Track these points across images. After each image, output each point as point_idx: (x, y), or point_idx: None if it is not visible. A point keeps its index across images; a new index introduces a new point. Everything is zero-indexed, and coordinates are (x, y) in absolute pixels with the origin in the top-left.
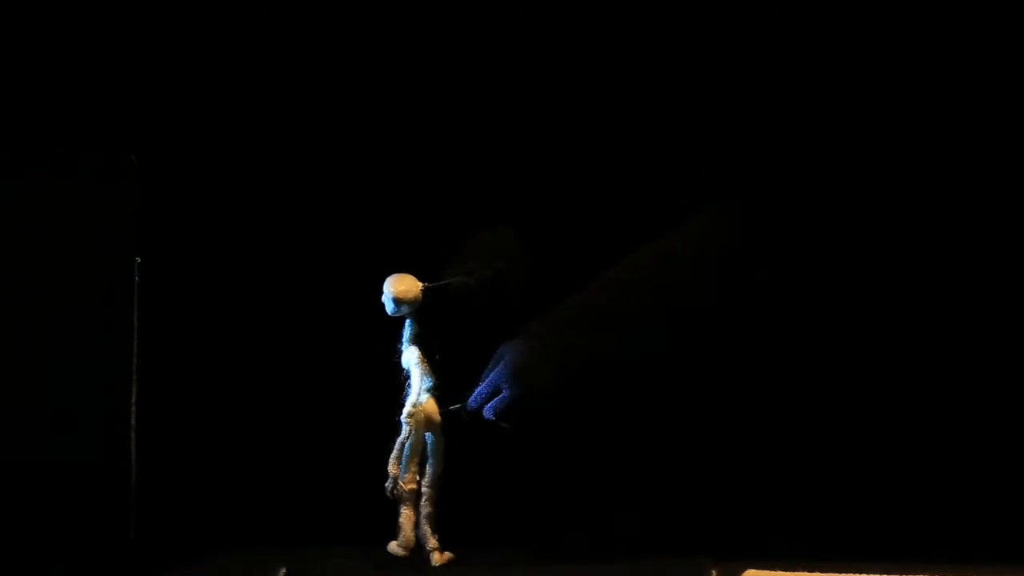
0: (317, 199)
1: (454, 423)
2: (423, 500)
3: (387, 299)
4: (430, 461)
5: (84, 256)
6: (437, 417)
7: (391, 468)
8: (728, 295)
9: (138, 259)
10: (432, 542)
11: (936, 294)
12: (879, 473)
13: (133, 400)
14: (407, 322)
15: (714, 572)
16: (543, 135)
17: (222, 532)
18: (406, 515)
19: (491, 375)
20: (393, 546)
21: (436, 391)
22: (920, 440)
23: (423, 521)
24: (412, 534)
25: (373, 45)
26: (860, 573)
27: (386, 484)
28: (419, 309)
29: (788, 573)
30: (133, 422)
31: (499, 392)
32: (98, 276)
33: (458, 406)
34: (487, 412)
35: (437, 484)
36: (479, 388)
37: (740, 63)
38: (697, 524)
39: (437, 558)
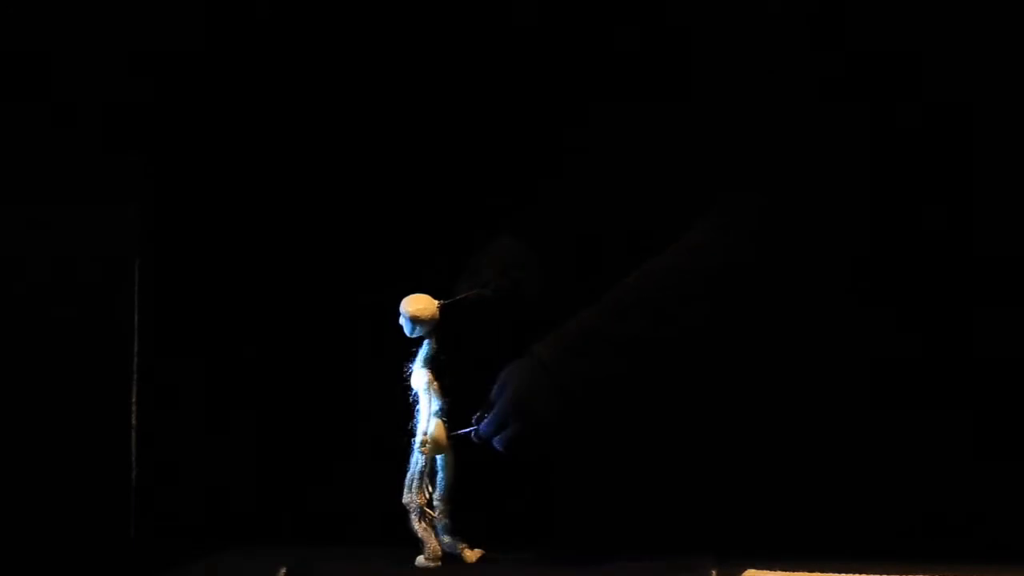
0: (317, 199)
1: (464, 443)
2: (437, 512)
3: (404, 320)
4: (440, 476)
5: (84, 256)
6: (444, 441)
7: (417, 498)
8: (731, 311)
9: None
10: (460, 544)
11: (932, 295)
12: (879, 473)
13: (133, 400)
14: (425, 343)
15: (714, 572)
16: (552, 140)
17: (222, 532)
18: (424, 528)
19: (498, 405)
20: (421, 560)
21: (443, 414)
22: (920, 440)
23: (441, 530)
24: (437, 543)
25: (382, 51)
26: (860, 573)
27: (412, 516)
28: (436, 328)
29: (788, 573)
30: (133, 422)
31: (507, 423)
32: (98, 276)
33: (468, 431)
34: (497, 444)
35: (448, 496)
36: (488, 418)
37: (752, 66)
38: (697, 524)
39: (469, 555)
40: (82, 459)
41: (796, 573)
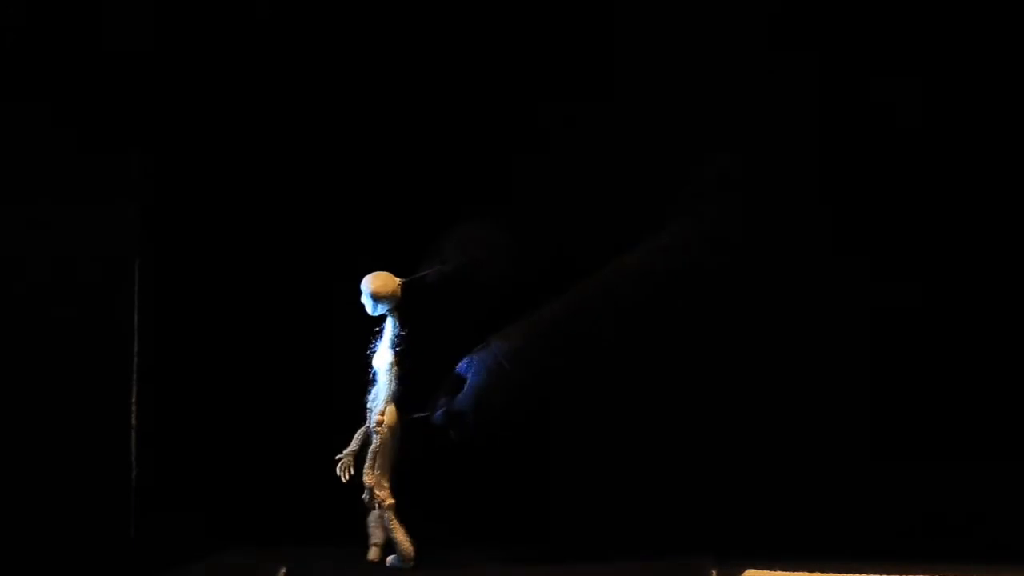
0: (316, 200)
1: (419, 430)
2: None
3: (365, 297)
4: (367, 465)
5: (84, 256)
6: (396, 426)
7: (367, 479)
8: (699, 311)
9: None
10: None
11: (927, 290)
12: (879, 473)
13: (133, 400)
14: (389, 321)
15: (714, 572)
16: (524, 124)
17: (222, 532)
18: (396, 527)
19: (456, 400)
20: (393, 560)
21: (397, 397)
22: (919, 440)
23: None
24: (408, 542)
25: (382, 51)
26: (860, 573)
27: (363, 496)
28: (400, 306)
29: (788, 573)
30: (133, 422)
31: (462, 413)
32: (98, 276)
33: (423, 415)
34: (452, 436)
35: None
36: (443, 406)
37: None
38: (697, 524)
39: (374, 554)
40: (82, 459)
41: (796, 573)
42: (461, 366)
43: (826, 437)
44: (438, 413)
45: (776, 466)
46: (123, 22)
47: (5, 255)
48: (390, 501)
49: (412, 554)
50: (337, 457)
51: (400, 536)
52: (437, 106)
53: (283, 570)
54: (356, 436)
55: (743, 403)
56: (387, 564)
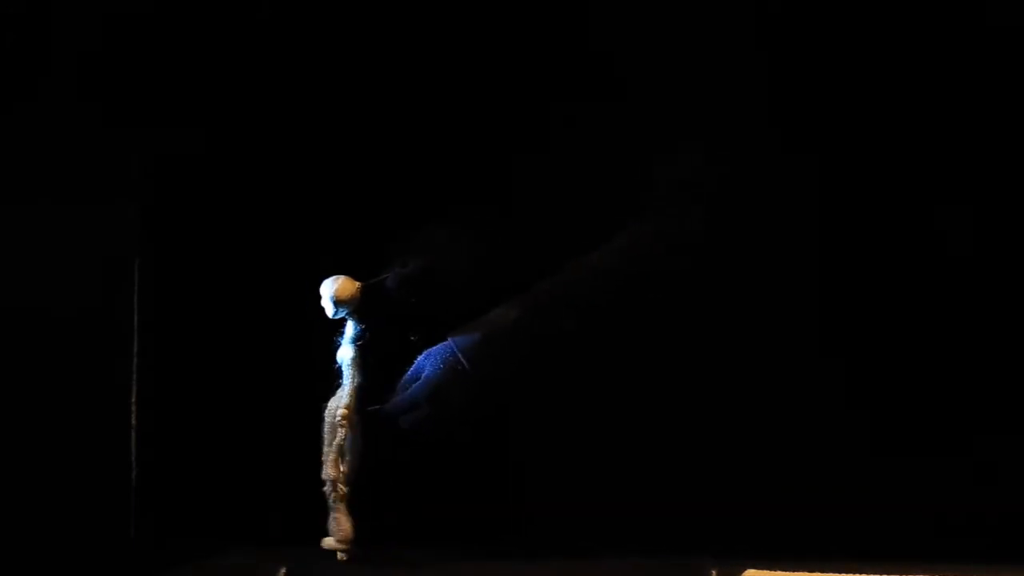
0: (316, 200)
1: (374, 423)
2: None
3: (326, 301)
4: (333, 456)
5: (84, 256)
6: (356, 417)
7: (329, 471)
8: (661, 311)
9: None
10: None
11: (922, 286)
12: (879, 473)
13: (133, 400)
14: (349, 323)
15: (714, 572)
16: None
17: (222, 532)
18: (341, 508)
19: (412, 388)
20: (331, 542)
21: (361, 391)
22: (919, 440)
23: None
24: (350, 527)
25: (385, 51)
26: (860, 573)
27: (325, 488)
28: (359, 309)
29: (788, 573)
30: (133, 422)
31: (418, 405)
32: (98, 276)
33: (377, 407)
34: (404, 423)
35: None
36: (399, 398)
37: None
38: (697, 524)
39: (328, 543)
40: (82, 459)
41: (796, 573)
42: (420, 360)
43: (825, 437)
44: (392, 403)
45: (776, 466)
46: (123, 22)
47: (5, 255)
48: (343, 490)
49: (350, 538)
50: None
51: (342, 516)
52: (435, 106)
53: (283, 570)
54: (326, 432)
55: (744, 403)
56: (323, 545)
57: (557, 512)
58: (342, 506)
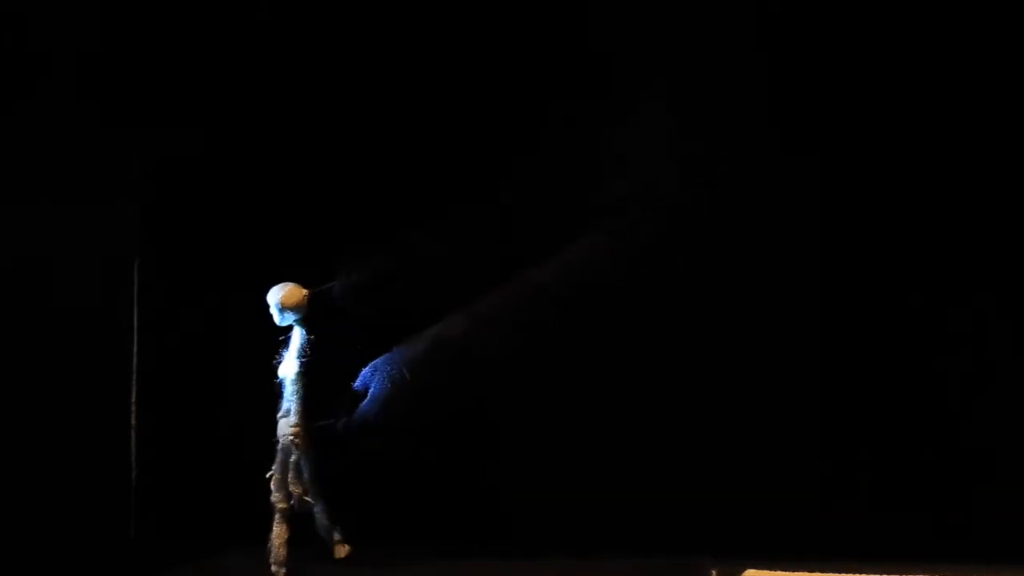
0: (316, 200)
1: (325, 438)
2: (311, 499)
3: (273, 308)
4: (292, 476)
5: (84, 256)
6: (306, 433)
7: (293, 488)
8: (603, 326)
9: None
10: (336, 536)
11: (922, 286)
12: (879, 473)
13: (133, 400)
14: (296, 331)
15: (714, 572)
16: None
17: (222, 532)
18: (281, 531)
19: (362, 406)
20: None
21: (305, 406)
22: (919, 439)
23: (321, 513)
24: (284, 553)
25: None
26: (860, 573)
27: (291, 503)
28: (307, 317)
29: (788, 573)
30: (133, 422)
31: (368, 421)
32: (98, 276)
33: (328, 422)
34: (357, 440)
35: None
36: (350, 414)
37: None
38: (697, 524)
39: (340, 551)
40: (82, 459)
41: (796, 573)
42: (364, 374)
43: (825, 437)
44: (343, 422)
45: (776, 466)
46: (123, 22)
47: (5, 255)
48: (282, 506)
49: (284, 560)
50: (268, 475)
51: (279, 542)
52: (434, 106)
53: (283, 570)
54: (278, 450)
55: (745, 403)
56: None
57: (557, 512)
58: (283, 528)
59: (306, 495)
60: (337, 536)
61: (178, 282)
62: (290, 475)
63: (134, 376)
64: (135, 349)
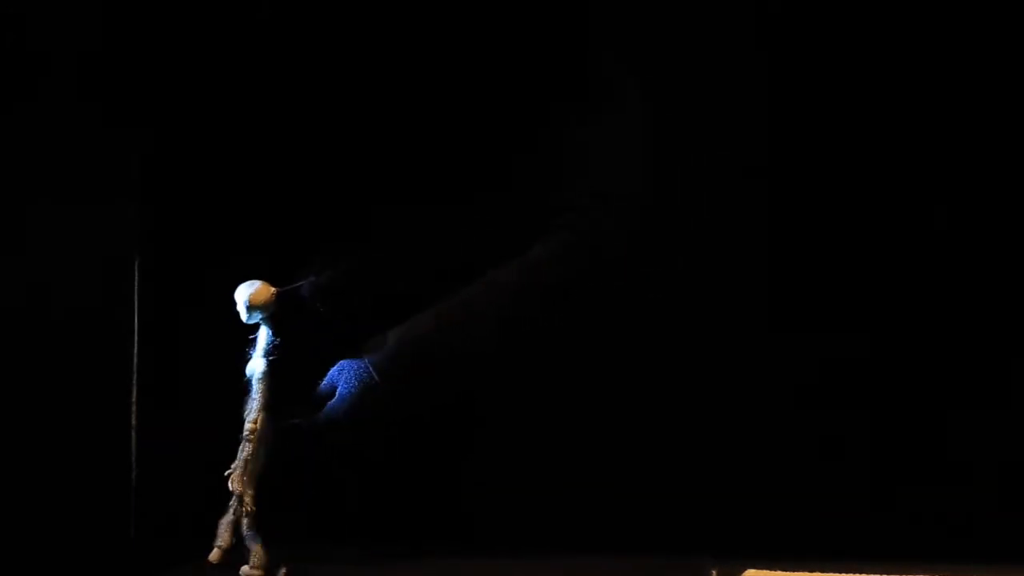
0: (316, 200)
1: (293, 437)
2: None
3: (240, 306)
4: (239, 466)
5: (84, 256)
6: (268, 435)
7: (235, 486)
8: (574, 325)
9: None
10: (256, 544)
11: (920, 285)
12: (880, 473)
13: (133, 400)
14: (263, 330)
15: (714, 572)
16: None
17: None
18: (255, 536)
19: (329, 406)
20: (247, 570)
21: (270, 406)
22: (919, 439)
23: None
24: (263, 554)
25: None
26: (860, 573)
27: (231, 502)
28: (274, 315)
29: (788, 573)
30: (133, 422)
31: (337, 419)
32: (98, 276)
33: (296, 422)
34: (325, 439)
35: (255, 487)
36: (317, 415)
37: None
38: (697, 524)
39: (216, 556)
40: (82, 459)
41: (796, 573)
42: (332, 373)
43: (825, 437)
44: (310, 421)
45: (776, 467)
46: (123, 22)
47: (5, 255)
48: (252, 509)
49: (266, 564)
50: (227, 473)
51: (257, 546)
52: (432, 106)
53: (283, 570)
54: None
55: (745, 403)
56: (240, 573)
57: (557, 512)
58: (255, 532)
59: (237, 484)
60: (227, 541)
61: (178, 282)
62: (236, 471)
63: (134, 376)
64: (135, 349)
